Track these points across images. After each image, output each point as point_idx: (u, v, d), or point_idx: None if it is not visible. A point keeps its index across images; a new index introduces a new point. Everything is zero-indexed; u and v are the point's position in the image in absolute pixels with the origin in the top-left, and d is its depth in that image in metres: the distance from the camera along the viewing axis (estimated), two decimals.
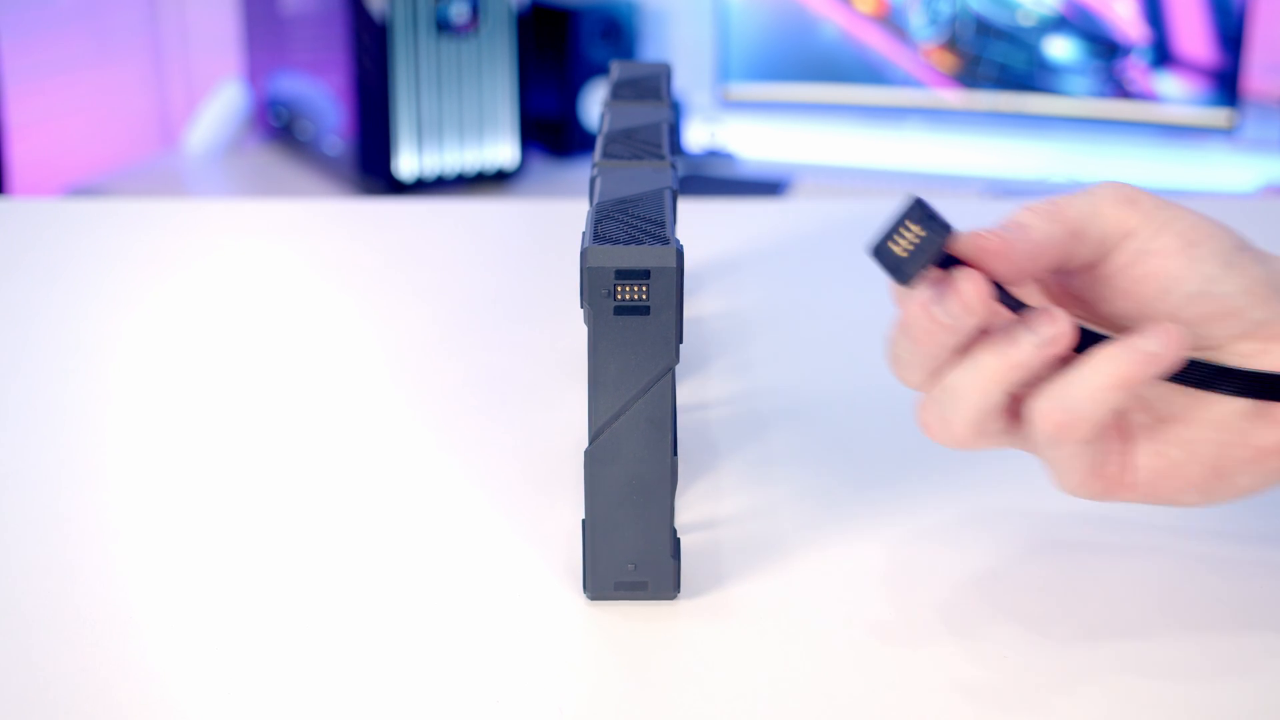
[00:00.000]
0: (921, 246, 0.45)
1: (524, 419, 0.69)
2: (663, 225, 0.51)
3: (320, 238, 1.01)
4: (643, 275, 0.49)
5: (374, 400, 0.72)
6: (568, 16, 2.60)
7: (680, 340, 0.50)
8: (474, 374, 0.76)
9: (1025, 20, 2.52)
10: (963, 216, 0.49)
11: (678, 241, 0.50)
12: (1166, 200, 0.50)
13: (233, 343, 0.80)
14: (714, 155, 2.61)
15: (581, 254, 0.49)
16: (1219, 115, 2.42)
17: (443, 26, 2.38)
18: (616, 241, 0.50)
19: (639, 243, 0.50)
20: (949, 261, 0.46)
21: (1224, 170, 2.44)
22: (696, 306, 0.85)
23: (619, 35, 2.65)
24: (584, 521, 0.52)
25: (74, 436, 0.69)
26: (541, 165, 2.63)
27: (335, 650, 0.51)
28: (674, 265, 0.49)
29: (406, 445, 0.67)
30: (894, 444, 0.66)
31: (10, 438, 0.68)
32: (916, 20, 2.57)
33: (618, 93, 0.73)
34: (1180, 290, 0.48)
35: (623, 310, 0.49)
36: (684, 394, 0.72)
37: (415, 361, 0.77)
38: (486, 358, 0.78)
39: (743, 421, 0.69)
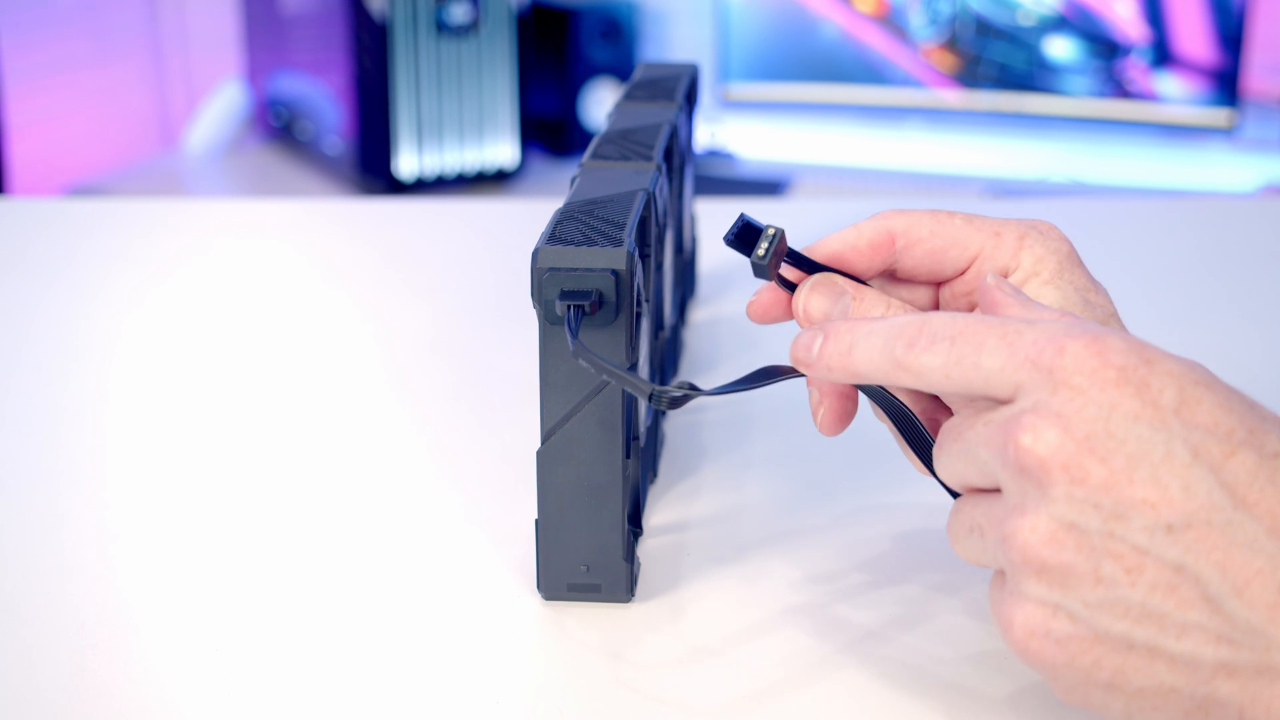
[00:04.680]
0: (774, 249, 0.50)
1: (522, 420, 0.69)
2: (622, 228, 0.51)
3: (320, 238, 1.01)
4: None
5: (372, 401, 0.72)
6: (568, 16, 2.60)
7: (636, 343, 0.50)
8: (473, 374, 0.76)
9: (1025, 20, 2.52)
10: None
11: (632, 244, 0.50)
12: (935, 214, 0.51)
13: (232, 342, 0.80)
14: (714, 155, 2.61)
15: (533, 254, 0.49)
16: (1219, 115, 2.42)
17: (443, 26, 2.38)
18: (572, 243, 0.50)
19: (593, 244, 0.50)
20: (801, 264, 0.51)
21: (1224, 170, 2.45)
22: (700, 309, 0.85)
23: (619, 35, 2.65)
24: (536, 522, 0.52)
25: (73, 436, 0.69)
26: (541, 165, 2.63)
27: (325, 649, 0.51)
28: (624, 267, 0.49)
29: (404, 446, 0.67)
30: (872, 447, 0.65)
31: (9, 437, 0.68)
32: (916, 20, 2.57)
33: (631, 94, 0.73)
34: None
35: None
36: None
37: (414, 361, 0.77)
38: (485, 358, 0.77)
39: (734, 424, 0.69)
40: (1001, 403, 0.42)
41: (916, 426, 0.49)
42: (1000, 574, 0.43)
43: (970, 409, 0.44)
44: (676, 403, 0.46)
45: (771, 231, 0.49)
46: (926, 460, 0.49)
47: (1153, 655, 0.39)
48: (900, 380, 0.44)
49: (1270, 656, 0.38)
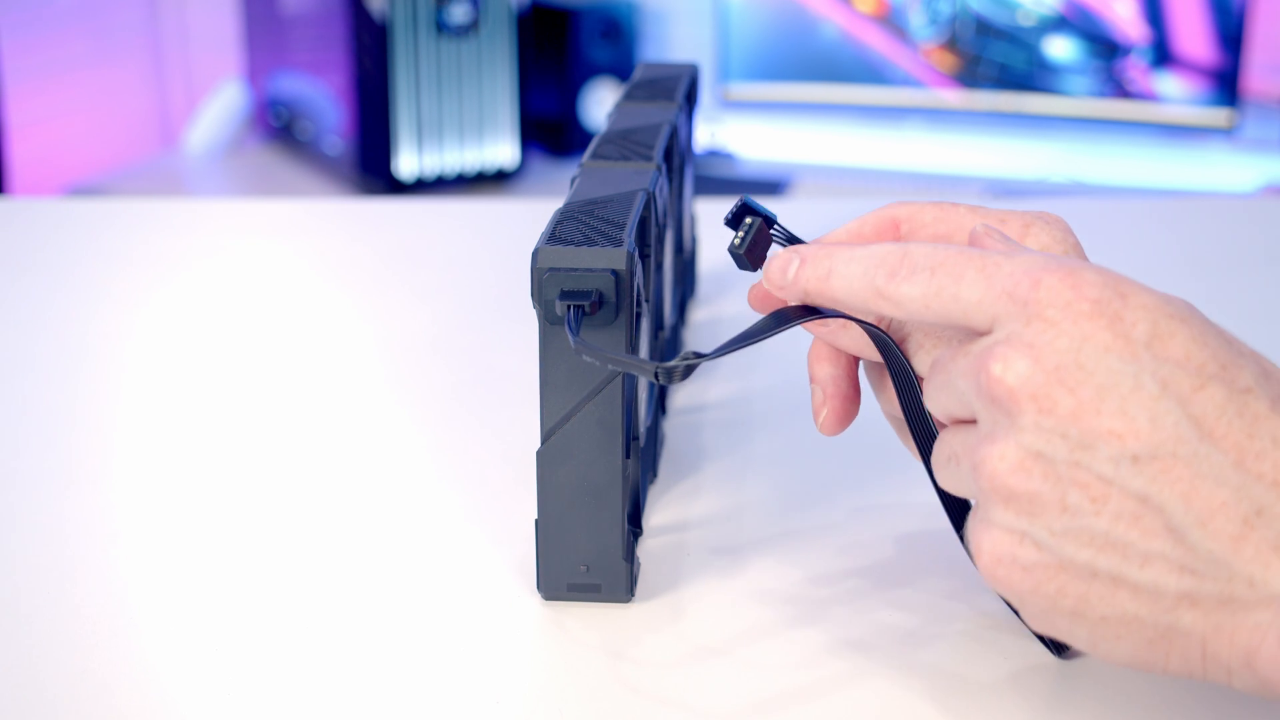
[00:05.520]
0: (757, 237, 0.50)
1: (522, 420, 0.69)
2: (622, 228, 0.51)
3: (320, 238, 1.01)
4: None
5: (372, 401, 0.72)
6: (568, 16, 2.60)
7: (636, 343, 0.50)
8: (473, 374, 0.76)
9: (1025, 20, 2.52)
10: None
11: (632, 244, 0.50)
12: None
13: (232, 343, 0.80)
14: (714, 155, 2.61)
15: (533, 254, 0.50)
16: (1219, 115, 2.42)
17: (443, 26, 2.38)
18: (572, 243, 0.50)
19: (593, 244, 0.50)
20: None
21: (1224, 170, 2.45)
22: (700, 309, 0.85)
23: (619, 35, 2.65)
24: (536, 522, 0.52)
25: (74, 436, 0.69)
26: (541, 165, 2.63)
27: (325, 649, 0.51)
28: (624, 267, 0.49)
29: (404, 446, 0.67)
30: (873, 448, 0.65)
31: (11, 437, 0.68)
32: (916, 20, 2.57)
33: (631, 94, 0.73)
34: None
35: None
36: (684, 397, 0.72)
37: (414, 362, 0.77)
38: (485, 358, 0.78)
39: (736, 424, 0.69)
40: (981, 334, 0.43)
41: (912, 382, 0.48)
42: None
43: (956, 342, 0.45)
44: (684, 374, 0.46)
45: (749, 221, 0.50)
46: (919, 441, 0.49)
47: (1116, 584, 0.40)
48: (879, 308, 0.45)
49: (1233, 587, 0.39)
